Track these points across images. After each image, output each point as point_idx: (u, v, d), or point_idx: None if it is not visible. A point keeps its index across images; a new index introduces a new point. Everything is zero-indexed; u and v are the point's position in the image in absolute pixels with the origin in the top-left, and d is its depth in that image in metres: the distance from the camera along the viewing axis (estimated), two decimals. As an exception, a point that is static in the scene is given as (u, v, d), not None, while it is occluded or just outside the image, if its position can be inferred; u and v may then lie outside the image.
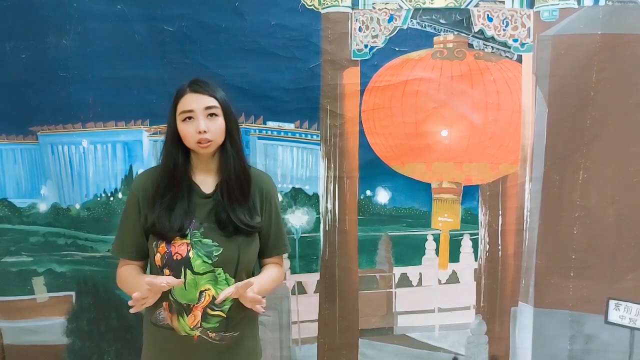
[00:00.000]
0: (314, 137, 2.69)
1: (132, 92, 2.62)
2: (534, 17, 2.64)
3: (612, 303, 2.79)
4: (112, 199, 2.70)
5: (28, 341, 2.81)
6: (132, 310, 1.84)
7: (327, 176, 2.71)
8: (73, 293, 2.79)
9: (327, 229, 2.75)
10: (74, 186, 2.69)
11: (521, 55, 2.67)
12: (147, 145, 2.71)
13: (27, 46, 2.56)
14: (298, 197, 2.74)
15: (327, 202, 2.73)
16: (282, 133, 2.70)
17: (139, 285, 1.87)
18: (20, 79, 2.59)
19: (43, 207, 2.75)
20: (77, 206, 2.71)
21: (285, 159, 2.72)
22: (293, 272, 2.78)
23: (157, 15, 2.55)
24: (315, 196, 2.74)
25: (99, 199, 2.70)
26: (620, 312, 2.78)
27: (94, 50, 2.56)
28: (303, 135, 2.70)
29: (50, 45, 2.55)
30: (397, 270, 2.82)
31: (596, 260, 2.77)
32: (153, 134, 2.69)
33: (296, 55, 2.61)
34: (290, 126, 2.69)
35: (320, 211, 2.74)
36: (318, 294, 2.80)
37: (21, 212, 2.76)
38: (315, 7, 2.59)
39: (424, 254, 2.82)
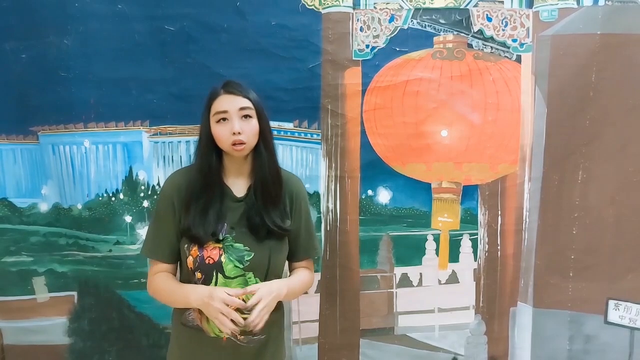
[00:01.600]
0: (314, 136, 2.70)
1: (132, 93, 2.62)
2: (533, 17, 2.65)
3: (611, 303, 2.79)
4: (113, 199, 2.70)
5: (28, 341, 2.80)
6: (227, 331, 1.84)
7: (328, 176, 2.71)
8: (75, 293, 2.78)
9: (328, 228, 2.75)
10: (76, 186, 2.69)
11: (520, 55, 2.69)
12: (147, 147, 2.70)
13: (28, 46, 2.56)
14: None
15: (328, 202, 2.73)
16: (282, 132, 2.70)
17: (186, 295, 1.91)
18: (21, 79, 2.58)
19: (44, 207, 2.74)
20: (79, 206, 2.70)
21: (285, 159, 2.71)
22: (293, 272, 2.78)
23: (158, 15, 2.55)
24: (316, 195, 2.74)
25: (100, 198, 2.69)
26: (620, 312, 2.79)
27: (95, 50, 2.56)
28: (303, 134, 2.70)
29: (51, 45, 2.54)
30: (398, 271, 2.82)
31: (596, 260, 2.77)
32: (153, 134, 2.68)
33: (297, 56, 2.61)
34: (289, 125, 2.69)
35: (321, 211, 2.74)
36: (319, 294, 2.80)
37: (21, 212, 2.75)
38: (315, 7, 2.59)
39: (424, 254, 2.82)
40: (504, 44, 2.68)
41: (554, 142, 2.72)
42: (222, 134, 1.91)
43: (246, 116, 1.93)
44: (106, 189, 2.70)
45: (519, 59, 2.69)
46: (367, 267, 2.80)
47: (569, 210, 2.77)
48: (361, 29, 2.62)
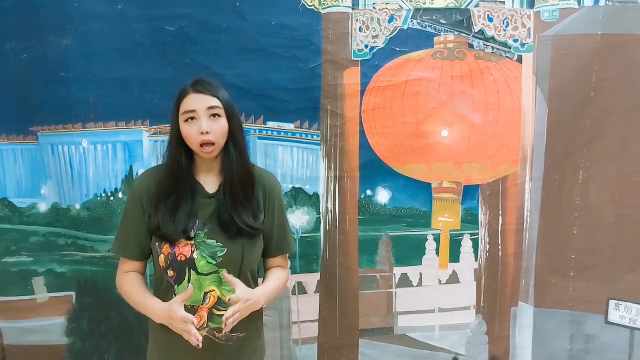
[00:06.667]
0: (314, 137, 2.69)
1: (132, 92, 2.62)
2: (534, 17, 2.64)
3: (612, 303, 2.79)
4: (112, 198, 2.69)
5: (28, 341, 2.81)
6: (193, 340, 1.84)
7: (328, 176, 2.71)
8: (73, 293, 2.79)
9: (327, 228, 2.75)
10: (74, 186, 2.69)
11: (521, 56, 2.68)
12: (147, 146, 2.71)
13: (28, 46, 2.56)
14: (298, 197, 2.74)
15: (327, 202, 2.73)
16: (283, 133, 2.70)
17: (148, 313, 1.97)
18: (21, 79, 2.59)
19: (43, 207, 2.75)
20: (77, 206, 2.71)
21: (286, 159, 2.72)
22: (293, 272, 2.76)
23: (157, 15, 2.55)
24: (316, 196, 2.74)
25: (99, 198, 2.70)
26: (620, 312, 2.78)
27: (95, 50, 2.56)
28: (303, 135, 2.70)
29: (51, 45, 2.54)
30: (397, 270, 2.82)
31: (596, 260, 2.77)
32: (153, 134, 2.69)
33: (296, 55, 2.61)
34: (290, 126, 2.69)
35: (321, 211, 2.74)
36: (318, 293, 2.80)
37: (21, 212, 2.76)
38: (315, 7, 2.59)
39: (424, 253, 2.82)
40: (505, 44, 2.67)
41: (555, 142, 2.71)
42: (190, 133, 1.92)
43: (214, 115, 1.93)
44: (104, 189, 2.70)
45: (520, 59, 2.68)
46: (366, 266, 2.80)
47: (569, 210, 2.76)
48: (360, 29, 2.61)
